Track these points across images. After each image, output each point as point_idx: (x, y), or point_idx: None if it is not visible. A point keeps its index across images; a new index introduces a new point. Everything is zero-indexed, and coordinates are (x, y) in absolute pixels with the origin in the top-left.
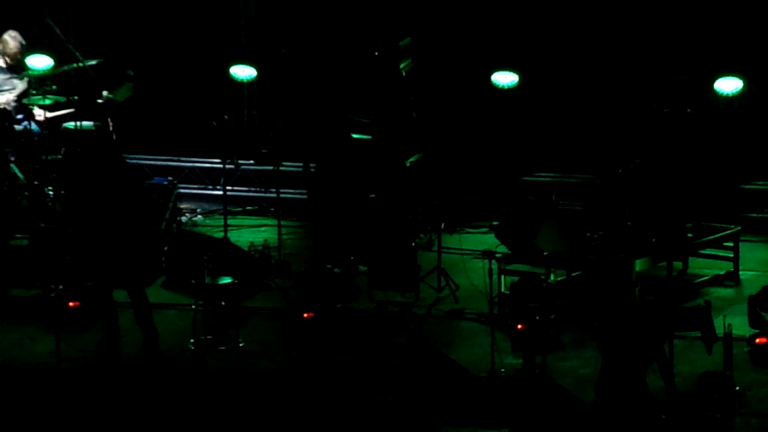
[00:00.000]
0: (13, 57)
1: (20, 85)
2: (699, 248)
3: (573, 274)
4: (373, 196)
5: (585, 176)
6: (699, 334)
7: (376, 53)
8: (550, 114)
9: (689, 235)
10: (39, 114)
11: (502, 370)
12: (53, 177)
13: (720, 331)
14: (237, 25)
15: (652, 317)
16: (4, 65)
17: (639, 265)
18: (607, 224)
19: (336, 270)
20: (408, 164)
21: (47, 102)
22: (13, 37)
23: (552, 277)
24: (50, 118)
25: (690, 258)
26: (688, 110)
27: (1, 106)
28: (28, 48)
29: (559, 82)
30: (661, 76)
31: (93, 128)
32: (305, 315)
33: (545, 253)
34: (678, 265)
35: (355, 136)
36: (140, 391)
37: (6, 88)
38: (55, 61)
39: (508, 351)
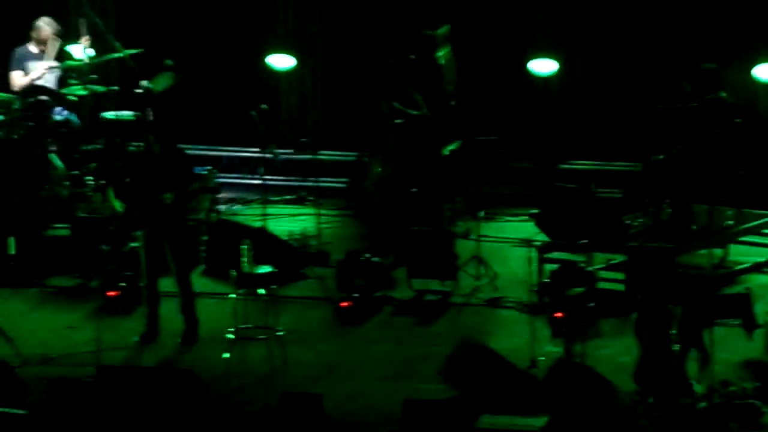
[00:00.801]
0: (46, 43)
1: (56, 73)
2: (739, 235)
3: (613, 262)
4: (413, 189)
5: (624, 164)
6: (739, 322)
7: (414, 42)
8: (589, 101)
9: (729, 222)
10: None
11: (542, 358)
12: (93, 167)
13: (761, 318)
14: (275, 15)
15: (691, 304)
16: (38, 52)
17: (679, 252)
18: (648, 212)
19: (375, 259)
20: (446, 153)
21: (85, 92)
22: (48, 23)
23: (592, 265)
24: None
25: (730, 245)
26: (722, 95)
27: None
28: (68, 37)
29: (598, 69)
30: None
31: (132, 118)
32: (343, 304)
33: (585, 241)
34: (718, 252)
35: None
36: (179, 380)
37: (43, 75)
38: (95, 50)
39: (548, 339)
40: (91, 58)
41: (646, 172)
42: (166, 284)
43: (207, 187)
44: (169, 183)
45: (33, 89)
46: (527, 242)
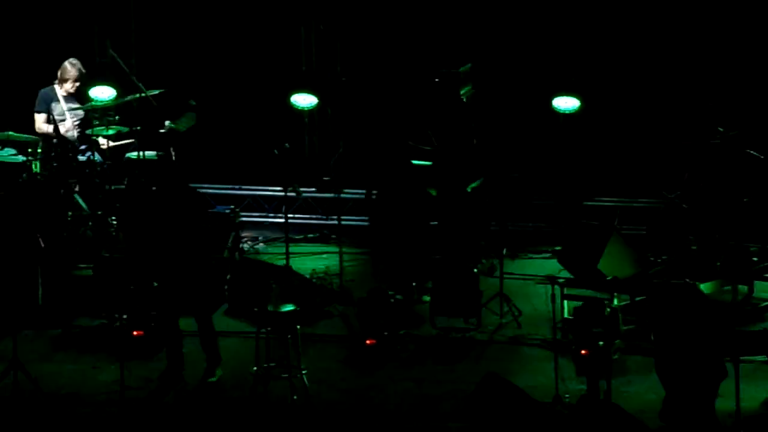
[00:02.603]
0: (72, 84)
1: (80, 114)
2: (764, 272)
3: (637, 299)
4: (434, 222)
5: (648, 200)
6: (765, 358)
7: (437, 80)
8: (611, 138)
9: (754, 258)
10: (102, 143)
11: (567, 395)
12: (117, 207)
13: None
14: (298, 54)
15: (717, 342)
16: (65, 93)
17: (704, 289)
18: (671, 249)
19: (398, 297)
20: (469, 190)
21: (110, 132)
22: (73, 65)
23: (615, 302)
24: (113, 148)
25: (755, 282)
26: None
27: (64, 134)
28: (92, 78)
29: (621, 106)
30: (724, 100)
31: (156, 158)
32: (368, 342)
33: (608, 278)
34: (743, 289)
35: (415, 162)
36: (203, 420)
37: (67, 117)
38: (118, 91)
39: (572, 377)
40: (114, 98)
41: (670, 209)
42: (189, 323)
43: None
44: (187, 225)
45: (57, 134)
46: (551, 279)
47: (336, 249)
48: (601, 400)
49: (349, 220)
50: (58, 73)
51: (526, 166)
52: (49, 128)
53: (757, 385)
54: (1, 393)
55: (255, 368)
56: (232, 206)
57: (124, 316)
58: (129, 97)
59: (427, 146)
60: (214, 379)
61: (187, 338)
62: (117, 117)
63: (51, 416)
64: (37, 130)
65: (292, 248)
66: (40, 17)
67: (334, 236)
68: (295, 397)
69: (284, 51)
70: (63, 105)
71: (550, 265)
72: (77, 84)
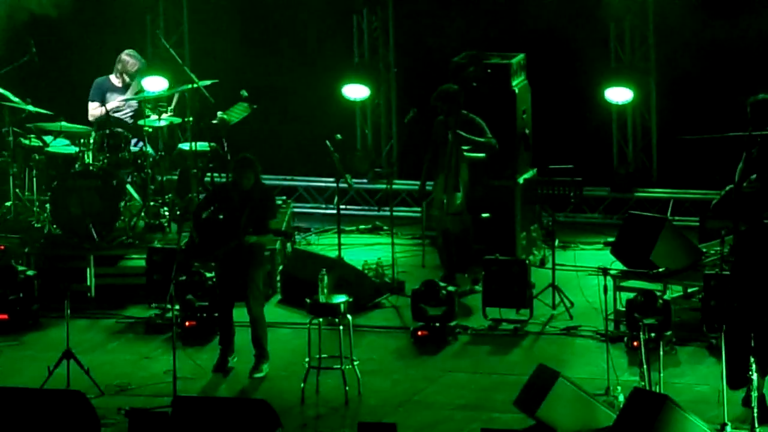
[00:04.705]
0: (132, 76)
1: (134, 105)
2: None
3: (689, 290)
4: (487, 215)
5: (701, 191)
6: None
7: (489, 71)
8: (665, 129)
9: None
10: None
11: (618, 387)
12: (168, 198)
13: None
14: (350, 45)
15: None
16: (120, 85)
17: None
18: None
19: (450, 288)
20: (521, 181)
21: (162, 124)
22: (131, 56)
23: (668, 294)
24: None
25: None
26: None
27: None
28: (145, 69)
29: (674, 97)
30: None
31: (208, 149)
32: (419, 333)
33: (661, 269)
34: None
35: (467, 155)
36: (254, 411)
37: (122, 107)
38: (170, 82)
39: (624, 368)
40: (166, 89)
41: (723, 201)
42: (242, 314)
43: (281, 231)
44: (254, 218)
45: (108, 121)
46: (603, 271)
47: (388, 240)
48: (652, 392)
49: (401, 212)
50: (117, 65)
51: (578, 157)
52: (102, 110)
53: None
54: (54, 383)
55: (308, 359)
56: (284, 197)
57: (177, 307)
58: (181, 88)
59: (480, 137)
60: (260, 375)
61: (241, 330)
62: (170, 108)
63: (104, 407)
64: (90, 118)
65: (344, 239)
66: (93, 8)
67: (386, 228)
68: (347, 388)
69: (337, 41)
70: (118, 95)
71: (603, 257)
72: (136, 74)
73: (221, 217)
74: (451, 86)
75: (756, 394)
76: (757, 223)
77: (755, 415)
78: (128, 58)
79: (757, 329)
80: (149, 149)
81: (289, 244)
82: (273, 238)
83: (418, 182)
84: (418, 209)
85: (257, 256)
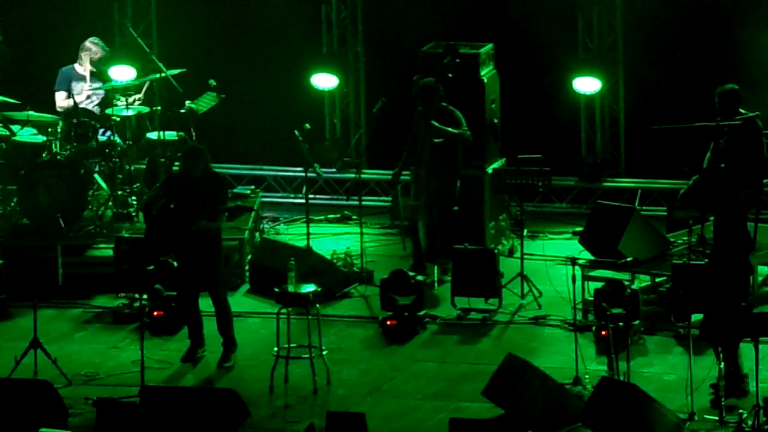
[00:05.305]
0: (95, 64)
1: (101, 93)
2: None
3: (657, 280)
4: (456, 208)
5: (669, 181)
6: None
7: (458, 60)
8: (632, 119)
9: None
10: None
11: (586, 376)
12: (136, 187)
13: None
14: (319, 35)
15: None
16: (86, 73)
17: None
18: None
19: (419, 277)
20: (490, 171)
21: (130, 113)
22: (95, 44)
23: (636, 283)
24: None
25: None
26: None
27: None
28: (112, 59)
29: (641, 87)
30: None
31: (176, 138)
32: (388, 322)
33: (629, 259)
34: (763, 270)
35: (437, 141)
36: (222, 401)
37: (88, 96)
38: (138, 71)
39: (592, 357)
40: (134, 78)
41: (691, 191)
42: (209, 304)
43: (237, 207)
44: (206, 205)
45: (76, 111)
46: (571, 260)
47: (357, 230)
48: (620, 381)
49: (369, 201)
50: (81, 54)
51: (546, 147)
52: (69, 102)
53: None
54: (21, 373)
55: (276, 348)
56: (253, 186)
57: (144, 296)
58: (149, 77)
59: (454, 128)
60: (229, 364)
61: (208, 319)
62: (137, 97)
63: (71, 397)
64: (57, 108)
65: (313, 229)
66: None
67: (354, 217)
68: (316, 378)
69: (305, 31)
70: (83, 84)
71: (571, 246)
72: (100, 63)
73: (172, 206)
74: (430, 81)
75: (723, 383)
76: (727, 211)
77: (722, 404)
78: (92, 45)
79: (728, 319)
80: (117, 138)
81: (257, 234)
82: (229, 224)
83: (387, 171)
84: (387, 198)
85: (213, 244)
